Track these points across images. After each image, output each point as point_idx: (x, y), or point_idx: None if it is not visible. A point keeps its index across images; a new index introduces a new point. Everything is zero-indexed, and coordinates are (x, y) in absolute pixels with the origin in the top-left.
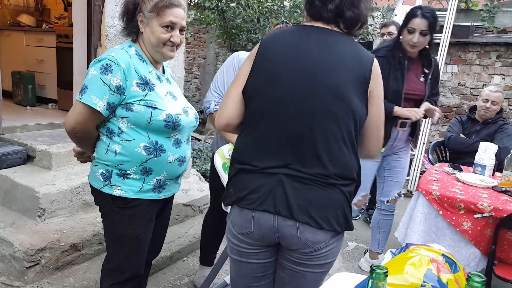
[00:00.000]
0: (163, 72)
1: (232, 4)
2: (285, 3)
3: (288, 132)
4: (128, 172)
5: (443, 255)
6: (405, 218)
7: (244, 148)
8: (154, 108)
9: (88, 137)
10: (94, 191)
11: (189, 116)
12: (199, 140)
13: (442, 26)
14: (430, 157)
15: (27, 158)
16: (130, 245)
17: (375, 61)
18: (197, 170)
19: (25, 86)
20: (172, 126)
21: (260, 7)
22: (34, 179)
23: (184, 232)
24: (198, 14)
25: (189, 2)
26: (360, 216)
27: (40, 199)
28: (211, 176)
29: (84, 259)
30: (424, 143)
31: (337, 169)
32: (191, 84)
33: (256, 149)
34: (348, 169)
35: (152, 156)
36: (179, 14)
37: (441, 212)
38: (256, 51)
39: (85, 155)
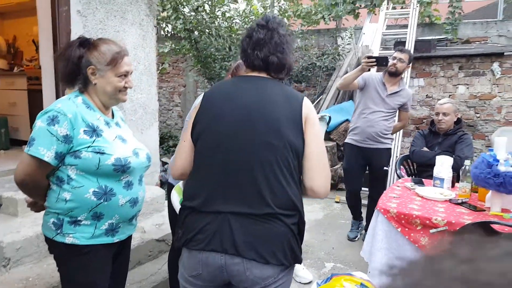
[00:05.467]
0: (113, 117)
1: (204, 36)
2: None
3: (229, 169)
4: (79, 218)
5: (361, 284)
6: (368, 237)
7: (190, 190)
8: (102, 153)
9: (38, 187)
10: (47, 241)
11: (140, 157)
12: None
13: (405, 42)
14: (398, 171)
15: None
16: None
17: (305, 99)
18: None
19: None
20: (121, 169)
21: (232, 35)
22: None
23: (157, 269)
24: (173, 45)
25: (166, 34)
26: (358, 236)
27: (4, 248)
28: (170, 213)
29: None
30: (396, 156)
31: (278, 201)
32: (172, 112)
33: (201, 191)
34: (289, 200)
35: (102, 200)
36: (129, 62)
37: (399, 229)
38: (200, 101)
39: (38, 205)
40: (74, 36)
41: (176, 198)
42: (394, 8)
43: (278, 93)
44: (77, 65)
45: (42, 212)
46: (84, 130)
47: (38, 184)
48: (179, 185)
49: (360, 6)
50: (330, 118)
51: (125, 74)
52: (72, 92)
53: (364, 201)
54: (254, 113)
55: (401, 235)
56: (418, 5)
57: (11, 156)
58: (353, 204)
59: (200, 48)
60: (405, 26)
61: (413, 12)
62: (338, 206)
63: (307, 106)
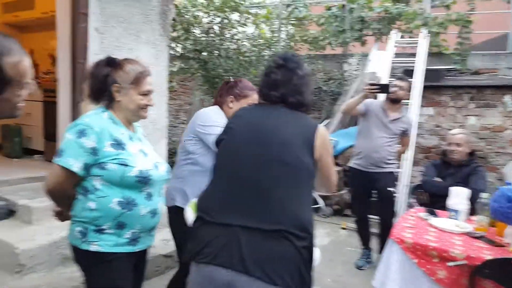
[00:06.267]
0: (135, 132)
1: (213, 56)
2: (264, 53)
3: (243, 184)
4: (103, 227)
5: None
6: (381, 266)
7: (204, 201)
8: (126, 165)
9: (66, 196)
10: (74, 249)
11: (159, 171)
12: None
13: (413, 70)
14: (410, 200)
15: (10, 212)
16: None
17: (320, 127)
18: None
19: (13, 139)
20: (143, 181)
21: (240, 57)
22: (14, 235)
23: (164, 285)
24: (183, 64)
25: (175, 53)
26: (367, 265)
27: (19, 255)
28: (175, 232)
29: None
30: (406, 185)
31: (288, 219)
32: (178, 129)
33: (215, 201)
34: (299, 220)
35: (125, 210)
36: (151, 81)
37: (415, 261)
38: (227, 122)
39: (64, 214)
40: (91, 51)
41: (191, 214)
42: (402, 37)
43: (293, 119)
44: (103, 83)
45: (55, 222)
46: (110, 144)
47: (66, 194)
48: (194, 201)
49: (367, 33)
50: (337, 142)
51: (147, 93)
52: (98, 108)
53: (373, 229)
54: (270, 134)
55: (417, 267)
56: (428, 35)
57: (23, 164)
58: (362, 230)
59: (208, 68)
60: (413, 55)
61: (422, 41)
62: (344, 232)
63: (322, 134)
